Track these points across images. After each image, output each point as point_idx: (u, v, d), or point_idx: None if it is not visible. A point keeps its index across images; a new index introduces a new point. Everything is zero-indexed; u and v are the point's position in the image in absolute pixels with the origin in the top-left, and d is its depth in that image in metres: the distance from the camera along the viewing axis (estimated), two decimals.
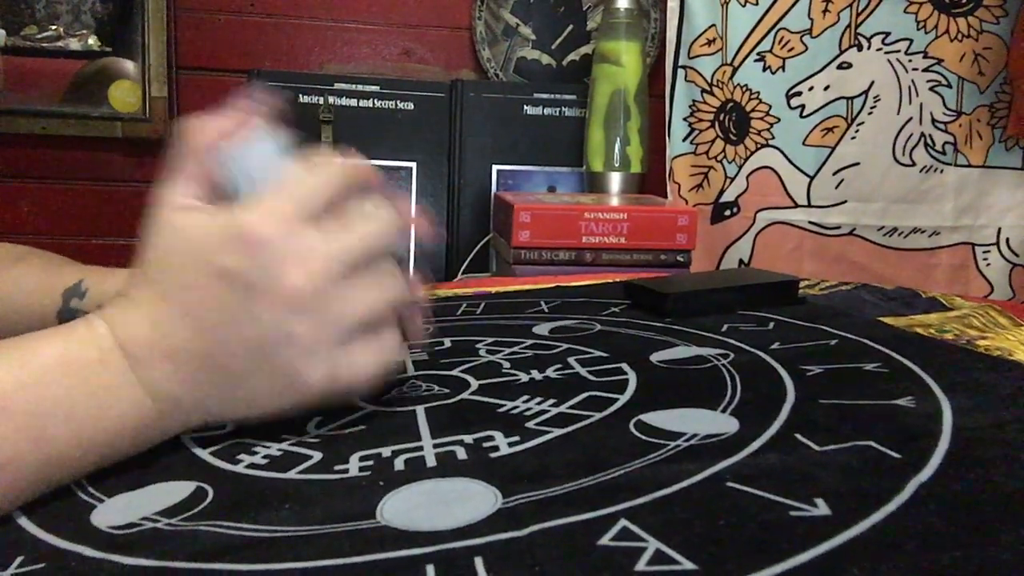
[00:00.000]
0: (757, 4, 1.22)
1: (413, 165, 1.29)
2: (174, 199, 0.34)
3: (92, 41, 1.30)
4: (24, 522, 0.30)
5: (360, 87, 1.28)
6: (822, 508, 0.26)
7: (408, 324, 0.38)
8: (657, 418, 0.36)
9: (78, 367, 0.32)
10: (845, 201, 1.26)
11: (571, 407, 0.38)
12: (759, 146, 1.26)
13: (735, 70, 1.24)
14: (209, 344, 0.33)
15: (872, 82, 1.24)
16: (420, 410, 0.38)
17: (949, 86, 1.24)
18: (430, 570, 0.24)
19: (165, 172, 0.36)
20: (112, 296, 0.35)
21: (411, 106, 1.29)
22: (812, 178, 1.26)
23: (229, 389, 0.34)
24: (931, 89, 1.24)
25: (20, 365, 0.31)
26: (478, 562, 0.24)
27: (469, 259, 1.26)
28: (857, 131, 1.25)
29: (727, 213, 1.27)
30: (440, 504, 0.28)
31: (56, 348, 0.32)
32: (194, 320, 0.33)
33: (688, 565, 0.23)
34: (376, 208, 0.35)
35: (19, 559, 0.27)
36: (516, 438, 0.34)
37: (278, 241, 0.32)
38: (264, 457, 0.34)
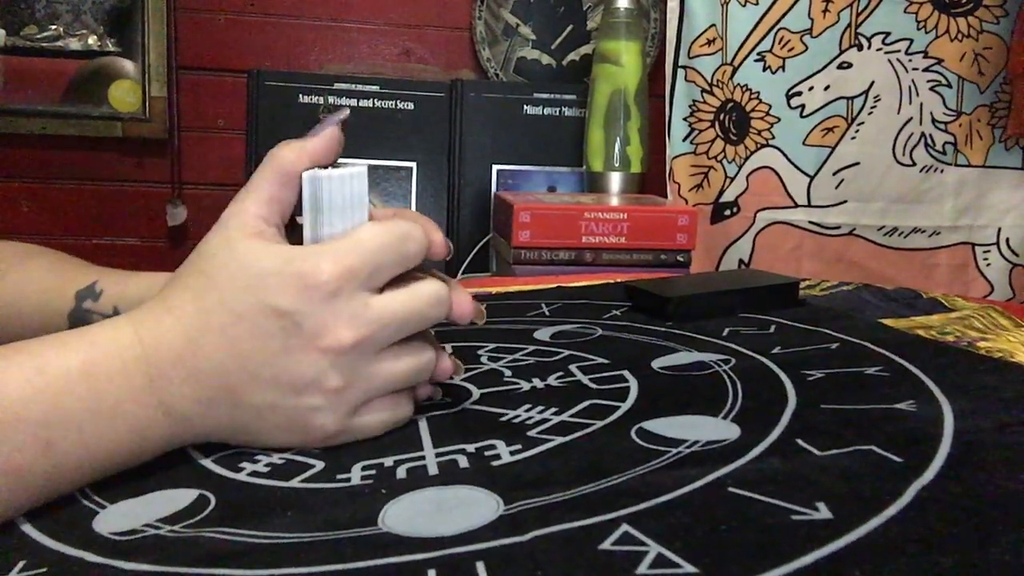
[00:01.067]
0: (757, 4, 1.22)
1: (413, 165, 1.29)
2: (244, 220, 0.34)
3: (92, 41, 1.30)
4: (27, 528, 0.30)
5: (360, 87, 1.28)
6: (823, 512, 0.26)
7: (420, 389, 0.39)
8: (658, 425, 0.36)
9: (98, 378, 0.31)
10: (845, 201, 1.26)
11: (573, 416, 0.38)
12: (759, 146, 1.26)
13: (735, 70, 1.24)
14: (238, 374, 0.32)
15: (872, 82, 1.24)
16: (422, 420, 0.38)
17: (949, 86, 1.24)
18: (432, 575, 0.24)
19: (244, 189, 0.35)
20: (131, 299, 0.35)
21: (411, 106, 1.28)
22: (812, 178, 1.26)
23: (243, 421, 0.34)
24: (931, 89, 1.24)
25: (38, 372, 0.30)
26: (480, 567, 0.24)
27: (469, 259, 1.26)
28: (857, 131, 1.25)
29: (727, 213, 1.27)
30: (442, 511, 0.29)
31: (78, 356, 0.32)
32: (231, 346, 0.32)
33: (689, 569, 0.24)
34: (432, 283, 0.35)
35: (21, 564, 0.27)
36: (518, 447, 0.34)
37: (339, 295, 0.32)
38: (266, 465, 0.34)
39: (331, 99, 1.26)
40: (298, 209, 0.36)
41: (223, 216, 0.34)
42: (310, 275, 0.32)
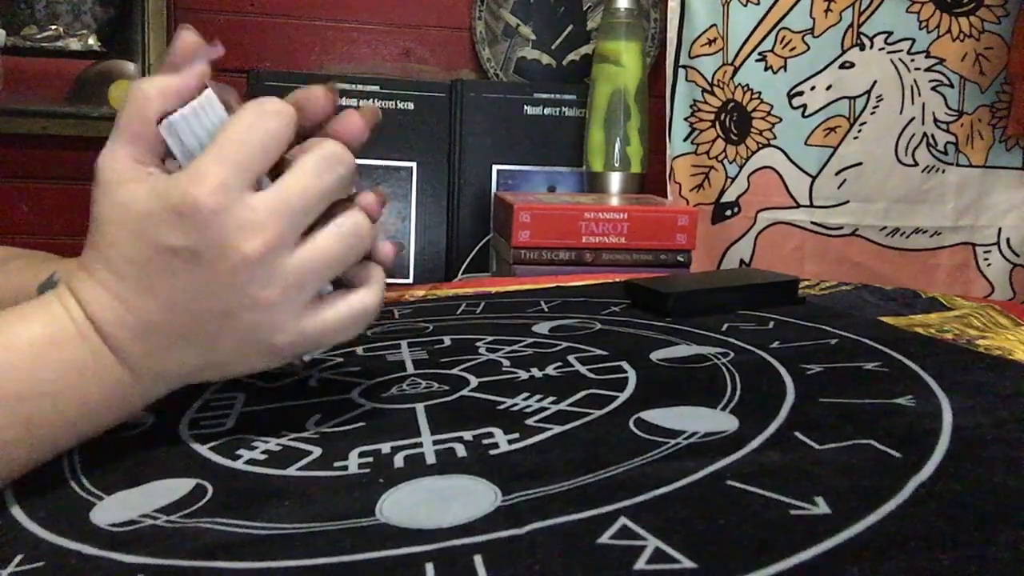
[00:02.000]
0: (758, 4, 1.22)
1: (413, 165, 1.29)
2: (117, 168, 0.32)
3: (92, 41, 1.30)
4: (24, 520, 0.30)
5: (360, 87, 1.28)
6: (822, 507, 0.26)
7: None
8: (657, 416, 0.36)
9: (63, 347, 0.31)
10: (847, 201, 1.26)
11: (571, 405, 0.38)
12: (760, 146, 1.26)
13: (736, 70, 1.24)
14: (175, 316, 0.32)
15: (874, 82, 1.24)
16: (420, 407, 0.38)
17: (951, 86, 1.24)
18: (429, 568, 0.24)
19: (111, 133, 0.33)
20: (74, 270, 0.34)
21: (411, 106, 1.28)
22: (814, 178, 1.26)
23: (202, 355, 0.33)
24: (933, 89, 1.24)
25: (6, 347, 0.31)
26: (477, 560, 0.24)
27: (469, 259, 1.26)
28: (859, 131, 1.25)
29: (728, 213, 1.27)
30: (440, 502, 0.28)
31: (39, 326, 0.31)
32: (153, 295, 0.32)
33: (688, 563, 0.23)
34: (321, 150, 0.33)
35: (19, 557, 0.27)
36: (516, 435, 0.34)
37: (221, 212, 0.30)
38: (263, 453, 0.34)
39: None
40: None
41: (97, 167, 0.33)
42: (184, 204, 0.30)
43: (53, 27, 1.29)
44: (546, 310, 0.60)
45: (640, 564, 0.24)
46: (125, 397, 0.33)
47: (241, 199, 0.31)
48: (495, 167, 1.30)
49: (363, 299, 0.34)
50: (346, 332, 0.34)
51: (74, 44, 1.30)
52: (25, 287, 0.50)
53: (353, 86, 1.27)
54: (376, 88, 1.28)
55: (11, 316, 0.32)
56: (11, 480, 0.31)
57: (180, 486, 0.31)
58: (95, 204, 0.33)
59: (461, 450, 0.33)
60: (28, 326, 0.31)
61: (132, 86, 0.33)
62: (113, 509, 0.30)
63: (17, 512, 0.30)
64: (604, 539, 0.25)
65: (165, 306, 0.32)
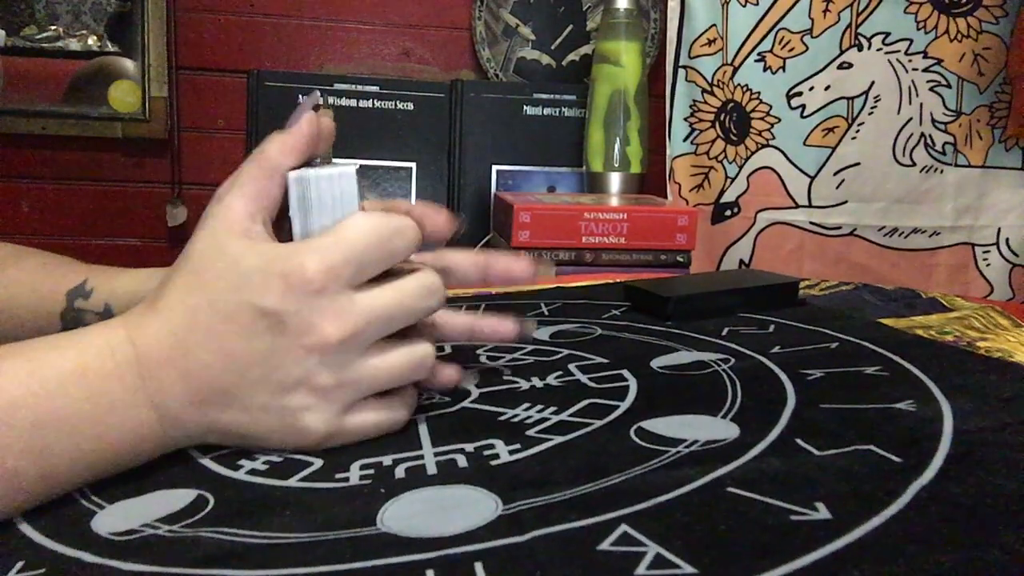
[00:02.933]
0: (757, 4, 1.22)
1: (413, 165, 1.29)
2: (230, 217, 0.33)
3: (92, 41, 1.30)
4: (25, 528, 0.30)
5: (360, 87, 1.28)
6: (823, 512, 0.26)
7: (439, 370, 0.39)
8: (658, 425, 0.36)
9: (91, 380, 0.31)
10: (846, 201, 1.26)
11: (572, 415, 0.38)
12: (760, 146, 1.26)
13: (735, 70, 1.24)
14: (228, 374, 0.32)
15: (872, 82, 1.24)
16: (421, 419, 0.38)
17: (949, 86, 1.24)
18: (430, 575, 0.24)
19: (229, 183, 0.35)
20: (121, 295, 0.35)
21: (411, 106, 1.28)
22: (813, 178, 1.26)
23: (235, 422, 0.33)
24: (931, 89, 1.24)
25: (31, 374, 0.31)
26: (479, 567, 0.24)
27: None
28: (857, 131, 1.25)
29: (727, 213, 1.27)
30: (440, 511, 0.28)
31: (72, 358, 0.32)
32: (219, 346, 0.32)
33: (688, 569, 0.24)
34: (421, 275, 0.35)
35: (19, 564, 0.27)
36: (517, 446, 0.34)
37: (323, 293, 0.32)
38: (264, 463, 0.34)
39: (331, 99, 1.26)
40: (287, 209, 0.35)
41: (208, 213, 0.34)
42: (293, 274, 0.32)
43: (53, 27, 1.29)
44: (546, 313, 0.60)
45: (641, 570, 0.24)
46: (147, 441, 0.33)
47: (343, 290, 0.32)
48: (495, 167, 1.30)
49: (398, 412, 0.36)
50: (372, 436, 0.35)
51: (74, 44, 1.30)
52: (50, 288, 0.49)
53: (353, 86, 1.27)
54: (376, 88, 1.28)
55: (44, 345, 0.32)
56: (23, 510, 0.31)
57: (181, 496, 0.31)
58: (196, 245, 0.34)
59: (462, 461, 0.33)
60: (60, 356, 0.32)
61: (256, 149, 0.35)
62: (114, 518, 0.30)
63: (19, 519, 0.30)
64: (605, 546, 0.25)
65: (227, 363, 0.32)
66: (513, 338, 0.40)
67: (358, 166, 0.35)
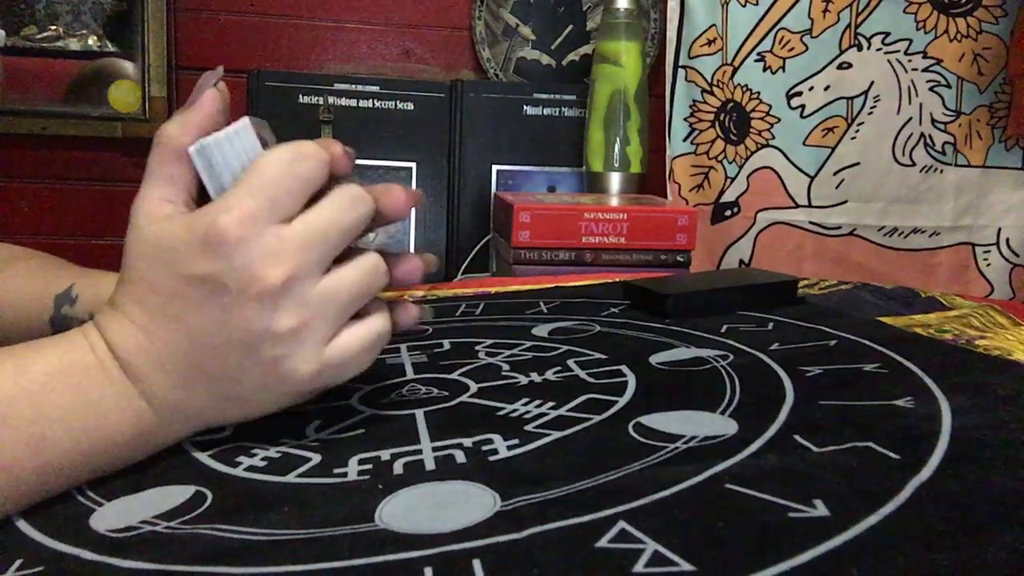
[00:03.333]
0: (757, 4, 1.22)
1: (413, 165, 1.29)
2: (148, 207, 0.34)
3: (92, 41, 1.30)
4: (23, 525, 0.30)
5: (360, 87, 1.28)
6: (821, 509, 0.26)
7: (398, 311, 0.38)
8: (656, 420, 0.36)
9: (79, 374, 0.32)
10: (845, 201, 1.26)
11: (570, 410, 0.38)
12: (759, 146, 1.26)
13: (735, 70, 1.24)
14: (197, 349, 0.32)
15: (872, 82, 1.24)
16: (419, 413, 0.38)
17: (948, 86, 1.24)
18: (428, 572, 0.24)
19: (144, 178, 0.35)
20: (105, 297, 0.35)
21: (411, 106, 1.28)
22: (812, 178, 1.26)
23: (223, 391, 0.33)
24: (931, 89, 1.24)
25: (20, 371, 0.31)
26: (476, 564, 0.24)
27: (469, 259, 1.26)
28: (857, 131, 1.25)
29: (727, 213, 1.27)
30: (439, 507, 0.28)
31: (56, 356, 0.32)
32: (177, 326, 0.32)
33: (686, 566, 0.24)
34: (347, 189, 0.34)
35: (18, 562, 0.27)
36: (515, 441, 0.34)
37: (248, 240, 0.31)
38: (263, 460, 0.34)
39: (331, 99, 1.26)
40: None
41: (131, 210, 0.34)
42: (211, 232, 0.31)
43: (53, 27, 1.29)
44: (545, 312, 0.60)
45: (639, 567, 0.24)
46: (144, 432, 0.33)
47: (268, 230, 0.31)
48: (495, 167, 1.30)
49: (377, 324, 0.35)
50: (365, 357, 0.35)
51: (74, 44, 1.30)
52: (38, 293, 0.49)
53: (353, 86, 1.27)
54: (376, 88, 1.28)
55: (30, 347, 0.33)
56: (22, 507, 0.31)
57: (179, 493, 0.31)
58: (127, 245, 0.34)
59: (460, 456, 0.33)
60: (45, 356, 0.32)
61: (157, 132, 0.35)
62: (112, 515, 0.30)
63: (17, 517, 0.30)
64: (603, 543, 0.25)
65: (189, 337, 0.32)
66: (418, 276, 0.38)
67: (247, 117, 0.34)
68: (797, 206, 1.27)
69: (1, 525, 0.30)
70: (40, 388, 0.31)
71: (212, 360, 0.33)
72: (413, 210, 0.38)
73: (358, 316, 0.34)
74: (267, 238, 0.31)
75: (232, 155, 0.34)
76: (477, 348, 0.50)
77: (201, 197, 0.35)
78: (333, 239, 0.33)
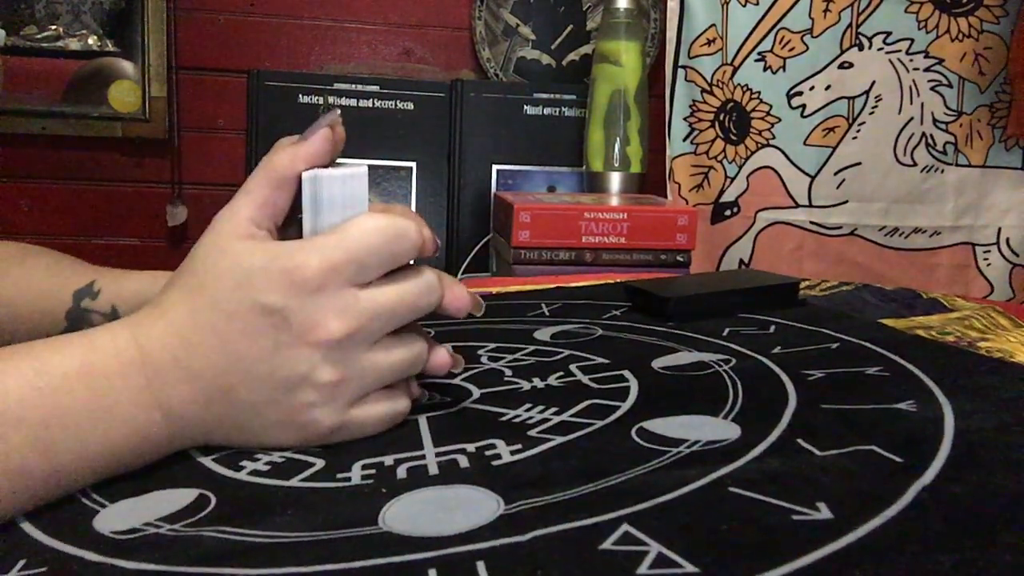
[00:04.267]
0: (757, 4, 1.22)
1: (413, 165, 1.29)
2: (235, 222, 0.34)
3: (92, 41, 1.30)
4: (27, 526, 0.30)
5: (360, 87, 1.28)
6: (824, 512, 0.26)
7: (432, 356, 0.39)
8: (659, 425, 0.36)
9: (96, 378, 0.31)
10: (846, 201, 1.26)
11: (573, 415, 0.38)
12: (760, 146, 1.26)
13: (735, 70, 1.24)
14: (233, 372, 0.33)
15: (873, 82, 1.24)
16: (422, 419, 0.38)
17: (950, 86, 1.24)
18: (432, 574, 0.24)
19: (239, 190, 0.35)
20: (128, 298, 0.35)
21: (411, 106, 1.29)
22: (813, 178, 1.26)
23: (241, 420, 0.34)
24: (932, 89, 1.24)
25: (37, 373, 0.31)
26: (480, 567, 0.24)
27: (469, 259, 1.26)
28: (858, 131, 1.25)
29: (727, 213, 1.27)
30: (442, 510, 0.28)
31: (77, 358, 0.32)
32: (224, 345, 0.33)
33: (690, 568, 0.24)
34: (422, 273, 0.35)
35: (21, 563, 0.27)
36: (518, 446, 0.34)
37: (324, 289, 0.32)
38: (266, 464, 0.34)
39: (331, 99, 1.26)
40: (299, 209, 0.36)
41: (215, 218, 0.35)
42: (296, 271, 0.32)
43: (53, 27, 1.29)
44: (547, 314, 0.60)
45: (642, 569, 0.24)
46: (149, 441, 0.33)
47: (346, 287, 0.33)
48: (495, 167, 1.30)
49: (400, 404, 0.37)
50: (378, 427, 0.36)
51: (74, 44, 1.30)
52: (56, 287, 0.49)
53: (353, 86, 1.27)
54: (376, 88, 1.28)
55: (50, 345, 0.32)
56: (29, 509, 0.31)
57: (183, 496, 0.31)
58: (200, 252, 0.34)
59: (464, 461, 0.33)
60: (65, 355, 0.32)
61: (266, 156, 0.35)
62: (116, 517, 0.30)
63: (20, 518, 0.30)
64: (606, 545, 0.25)
65: (231, 361, 0.33)
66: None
67: (367, 167, 0.35)
68: (797, 206, 1.27)
69: (5, 526, 0.30)
70: (55, 391, 0.31)
71: (244, 389, 0.33)
72: (413, 211, 0.39)
73: (388, 387, 0.36)
74: (343, 294, 0.33)
75: (339, 196, 0.34)
76: (479, 352, 0.50)
77: (284, 229, 0.36)
78: (399, 317, 0.34)
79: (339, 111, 0.37)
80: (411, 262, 0.36)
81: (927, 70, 1.24)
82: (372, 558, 0.25)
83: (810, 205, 1.27)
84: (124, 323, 0.34)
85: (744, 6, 1.22)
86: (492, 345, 0.51)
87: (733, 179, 1.27)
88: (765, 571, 0.23)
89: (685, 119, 1.26)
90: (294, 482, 0.32)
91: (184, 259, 0.35)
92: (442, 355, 0.38)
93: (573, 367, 0.46)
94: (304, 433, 0.34)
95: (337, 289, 0.32)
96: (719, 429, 0.34)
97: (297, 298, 0.32)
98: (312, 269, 0.32)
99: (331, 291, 0.32)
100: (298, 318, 0.32)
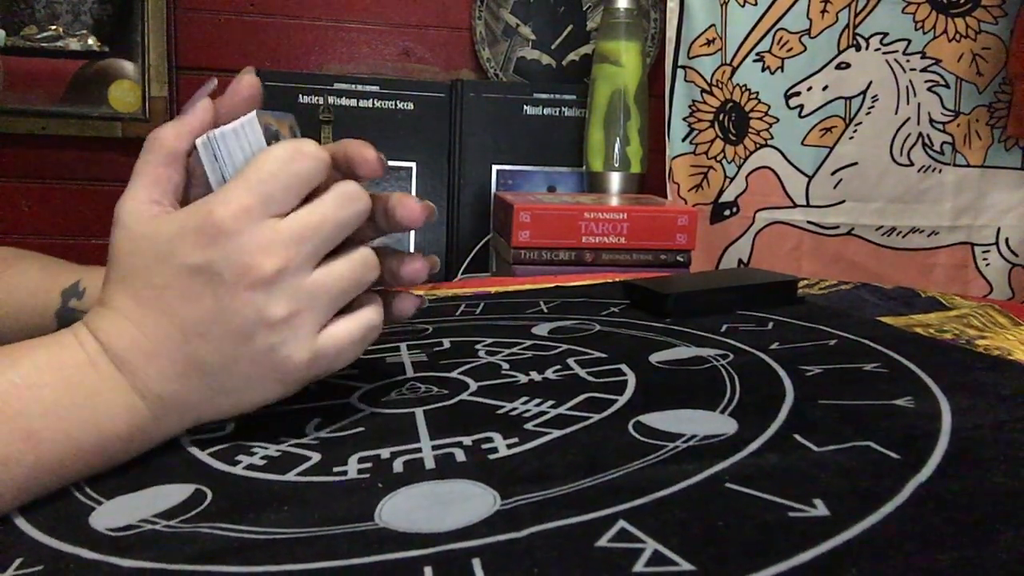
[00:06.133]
0: (756, 4, 1.22)
1: (413, 165, 1.29)
2: (136, 207, 0.34)
3: (92, 41, 1.30)
4: (22, 524, 0.30)
5: (360, 87, 1.28)
6: (821, 509, 0.26)
7: (397, 301, 0.39)
8: (656, 419, 0.36)
9: (69, 369, 0.32)
10: (844, 201, 1.26)
11: (570, 408, 0.38)
12: (758, 146, 1.26)
13: (734, 70, 1.24)
14: (190, 340, 0.33)
15: (870, 82, 1.24)
16: (419, 412, 0.38)
17: (947, 86, 1.24)
18: (428, 572, 0.24)
19: (131, 178, 0.36)
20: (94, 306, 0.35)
21: (411, 106, 1.28)
22: (811, 178, 1.26)
23: (217, 383, 0.34)
24: (929, 89, 1.24)
25: (11, 367, 0.31)
26: (476, 563, 0.24)
27: (469, 259, 1.26)
28: (855, 131, 1.25)
29: (726, 213, 1.27)
30: (438, 506, 0.28)
31: (46, 353, 0.32)
32: (171, 318, 0.33)
33: (686, 566, 0.23)
34: (343, 187, 0.34)
35: (18, 561, 0.27)
36: (515, 440, 0.34)
37: (243, 232, 0.32)
38: (263, 459, 0.34)
39: (331, 99, 1.26)
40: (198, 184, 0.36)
41: (116, 209, 0.35)
42: (208, 224, 0.32)
43: (53, 27, 1.29)
44: (545, 311, 0.60)
45: (639, 566, 0.24)
46: (137, 427, 0.33)
47: (264, 223, 0.32)
48: (495, 167, 1.30)
49: (368, 316, 0.36)
50: (356, 347, 0.35)
51: (74, 44, 1.30)
52: (44, 288, 0.50)
53: (353, 86, 1.27)
54: (376, 88, 1.28)
55: (18, 347, 0.33)
56: (18, 503, 0.31)
57: (179, 491, 0.31)
58: (114, 244, 0.34)
59: (460, 455, 0.33)
60: (34, 353, 0.32)
61: (149, 136, 0.36)
62: (112, 513, 0.30)
63: (16, 516, 0.30)
64: (603, 542, 0.25)
65: (183, 329, 0.33)
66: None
67: (255, 112, 0.35)
68: (795, 206, 1.27)
69: (0, 524, 0.30)
70: (29, 383, 0.31)
71: (206, 351, 0.33)
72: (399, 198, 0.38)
73: (350, 308, 0.35)
74: (262, 230, 0.32)
75: (236, 149, 0.34)
76: (477, 347, 0.50)
77: (185, 202, 0.36)
78: (326, 234, 0.33)
79: (215, 80, 0.37)
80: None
81: (924, 70, 1.24)
82: (368, 555, 0.25)
83: (808, 205, 1.27)
84: (80, 324, 0.34)
85: (743, 6, 1.22)
86: (489, 340, 0.51)
87: (732, 179, 1.27)
88: (761, 569, 0.23)
89: (685, 119, 1.26)
90: (290, 476, 0.32)
91: (107, 257, 0.35)
92: (415, 263, 0.38)
93: (571, 361, 0.46)
94: (283, 375, 0.34)
95: (254, 227, 0.32)
96: (716, 424, 0.34)
97: (218, 249, 0.32)
98: (219, 216, 0.32)
99: (249, 231, 0.32)
100: (227, 267, 0.32)
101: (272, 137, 0.35)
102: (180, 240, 0.32)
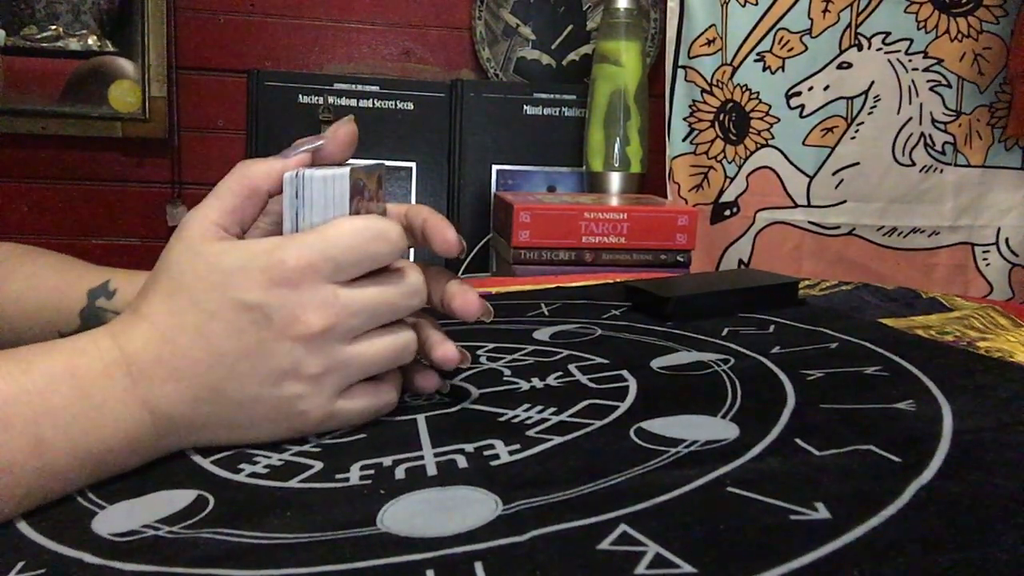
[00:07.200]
0: (757, 4, 1.22)
1: (413, 165, 1.29)
2: (204, 226, 0.34)
3: (92, 41, 1.30)
4: (25, 528, 0.30)
5: (360, 87, 1.28)
6: (822, 512, 0.26)
7: (418, 379, 0.40)
8: (657, 425, 0.35)
9: (81, 378, 0.32)
10: (845, 201, 1.26)
11: (572, 415, 0.38)
12: (759, 146, 1.26)
13: (735, 70, 1.24)
14: (218, 370, 0.33)
15: (872, 82, 1.24)
16: (421, 419, 0.38)
17: (949, 86, 1.24)
18: (430, 575, 0.24)
19: (208, 195, 0.36)
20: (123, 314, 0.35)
21: (411, 106, 1.29)
22: (812, 178, 1.26)
23: (230, 417, 0.34)
24: (931, 89, 1.24)
25: (23, 372, 0.31)
26: (478, 567, 0.24)
27: (469, 259, 1.26)
28: (857, 131, 1.25)
29: (727, 213, 1.28)
30: (440, 511, 0.29)
31: (62, 359, 0.32)
32: (207, 344, 0.33)
33: (688, 568, 0.24)
34: (408, 274, 0.36)
35: (20, 564, 0.27)
36: (517, 446, 0.34)
37: (308, 286, 0.33)
38: (265, 467, 0.34)
39: (331, 99, 1.26)
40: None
41: (183, 222, 0.35)
42: (274, 267, 0.32)
43: (53, 27, 1.29)
44: (546, 314, 0.60)
45: (640, 569, 0.24)
46: (137, 442, 0.33)
47: (324, 284, 0.33)
48: (495, 167, 1.30)
49: (388, 396, 0.37)
50: (366, 417, 0.37)
51: (74, 44, 1.30)
52: (68, 286, 0.49)
53: (353, 86, 1.27)
54: (376, 88, 1.28)
55: (34, 349, 0.33)
56: (22, 509, 0.31)
57: (182, 497, 0.31)
58: (170, 255, 0.34)
59: (462, 461, 0.33)
60: (50, 358, 0.32)
61: (241, 164, 0.36)
62: (115, 518, 0.30)
63: (18, 520, 0.30)
64: (604, 545, 0.25)
65: (216, 359, 0.33)
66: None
67: (349, 168, 0.35)
68: (796, 206, 1.27)
69: (3, 527, 0.30)
70: (41, 389, 0.31)
71: (231, 385, 0.33)
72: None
73: (375, 378, 0.36)
74: (322, 291, 0.33)
75: (320, 197, 0.35)
76: (478, 352, 0.50)
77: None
78: (380, 315, 0.35)
79: (323, 142, 0.37)
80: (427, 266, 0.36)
81: (926, 70, 1.24)
82: (370, 559, 0.25)
83: (808, 205, 1.27)
84: (104, 329, 0.34)
85: (743, 6, 1.22)
86: (491, 345, 0.51)
87: (732, 179, 1.27)
88: (762, 571, 0.23)
89: (685, 119, 1.26)
90: (292, 483, 0.32)
91: (156, 264, 0.35)
92: (450, 350, 0.39)
93: (572, 367, 0.46)
94: (294, 425, 0.35)
95: (315, 285, 0.33)
96: (718, 429, 0.34)
97: (276, 294, 0.32)
98: (290, 265, 0.32)
99: (309, 287, 0.33)
100: (279, 313, 0.32)
101: (358, 193, 0.35)
102: (243, 274, 0.33)
